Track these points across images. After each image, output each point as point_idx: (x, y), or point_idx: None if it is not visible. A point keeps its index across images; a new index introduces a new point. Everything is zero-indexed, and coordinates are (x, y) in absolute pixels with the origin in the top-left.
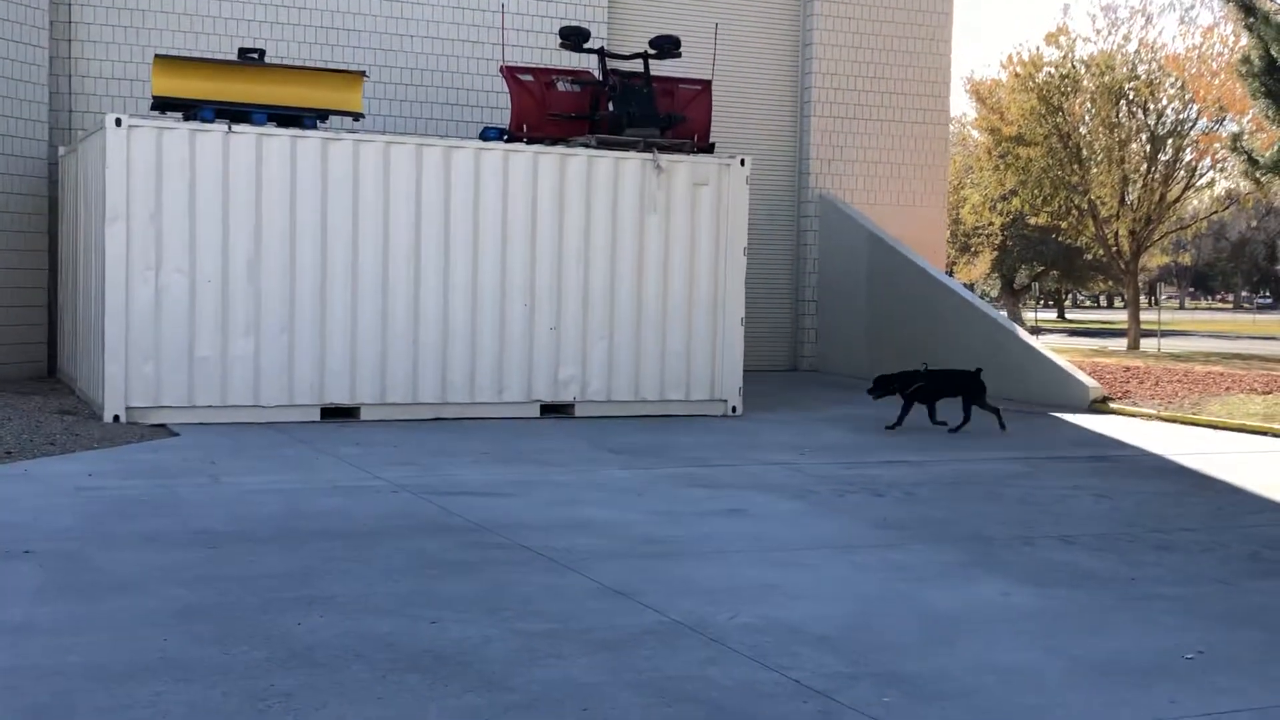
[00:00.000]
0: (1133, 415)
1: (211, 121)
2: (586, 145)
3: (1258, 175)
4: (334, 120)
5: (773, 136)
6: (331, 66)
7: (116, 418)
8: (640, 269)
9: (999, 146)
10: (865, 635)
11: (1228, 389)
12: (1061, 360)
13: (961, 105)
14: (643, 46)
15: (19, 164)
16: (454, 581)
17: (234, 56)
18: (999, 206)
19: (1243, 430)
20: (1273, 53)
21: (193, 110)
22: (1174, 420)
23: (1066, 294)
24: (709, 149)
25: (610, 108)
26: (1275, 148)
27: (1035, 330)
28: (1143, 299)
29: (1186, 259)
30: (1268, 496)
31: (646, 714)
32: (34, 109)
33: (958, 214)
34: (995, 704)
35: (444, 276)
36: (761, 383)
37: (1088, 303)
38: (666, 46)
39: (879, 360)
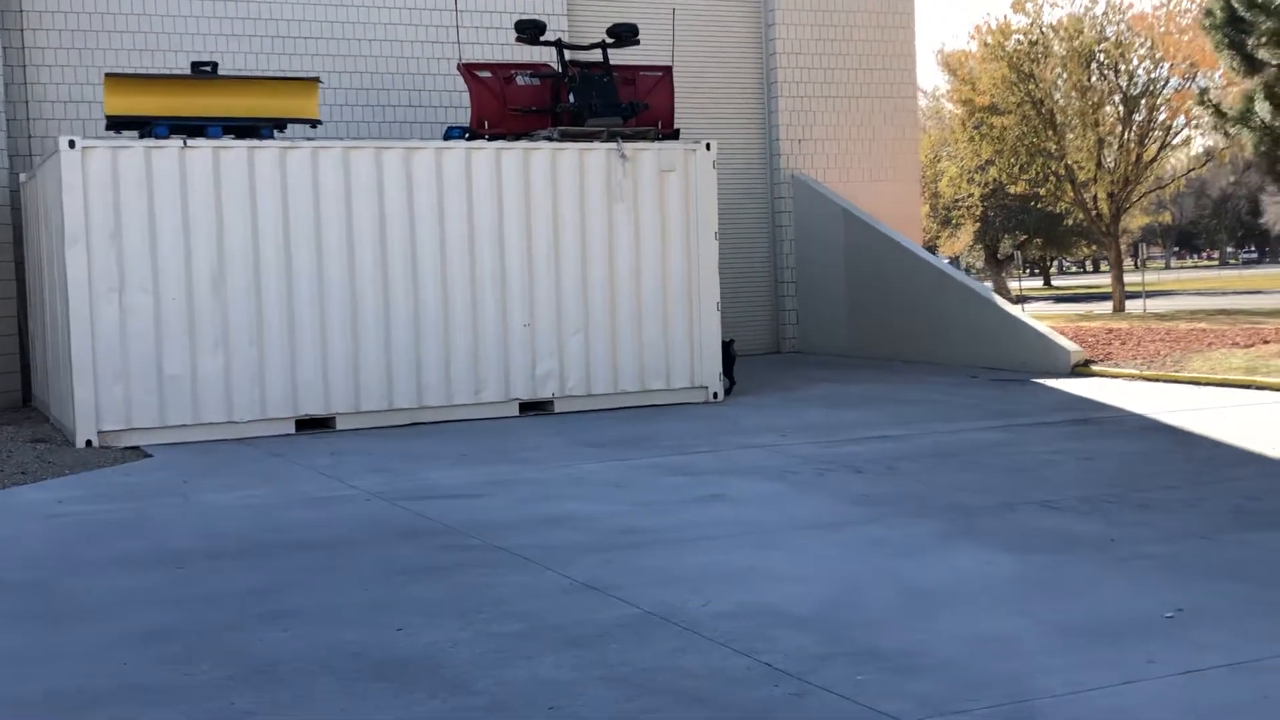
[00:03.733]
0: (1115, 376)
1: (166, 137)
2: (549, 138)
3: (1226, 128)
4: (296, 129)
5: (741, 119)
6: (286, 75)
7: (89, 443)
8: (612, 260)
9: (972, 118)
10: (842, 613)
11: (1210, 345)
12: (1042, 326)
13: (935, 78)
14: (601, 36)
15: None
16: (424, 587)
17: (187, 71)
18: (976, 178)
19: (1225, 385)
20: (1234, 3)
21: (149, 128)
22: (1156, 379)
23: (1052, 261)
24: (674, 135)
25: (571, 99)
26: (1242, 100)
27: (1020, 299)
28: (1127, 261)
29: (1167, 218)
30: (1248, 449)
31: (615, 708)
32: None
33: (935, 188)
34: (972, 674)
35: (412, 280)
36: (744, 367)
37: (1074, 269)
38: (624, 34)
39: (860, 338)
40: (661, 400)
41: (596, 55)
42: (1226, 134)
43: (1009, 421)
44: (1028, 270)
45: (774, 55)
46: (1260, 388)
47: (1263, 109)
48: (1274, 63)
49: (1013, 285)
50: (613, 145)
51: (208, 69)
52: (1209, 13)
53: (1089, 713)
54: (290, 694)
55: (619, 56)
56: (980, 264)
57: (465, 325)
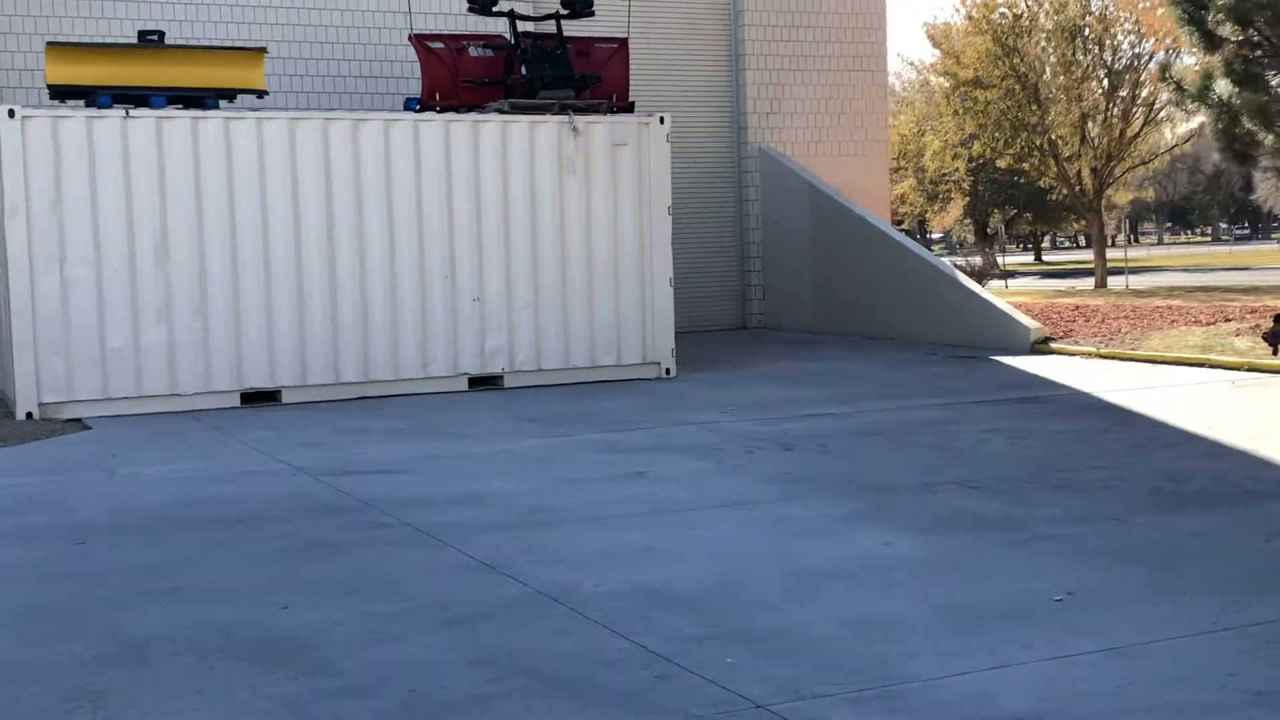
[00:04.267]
0: (1073, 354)
1: (109, 107)
2: (501, 111)
3: (1185, 105)
4: (245, 100)
5: (709, 91)
6: (233, 45)
7: (30, 414)
8: (563, 234)
9: (956, 91)
10: (730, 594)
11: (1173, 322)
12: (1001, 303)
13: (925, 52)
14: (555, 7)
15: None
16: (322, 564)
17: (133, 40)
18: (961, 152)
19: (1179, 363)
20: None
21: (93, 97)
22: (1112, 357)
23: (1043, 236)
24: (629, 108)
25: (523, 71)
26: (1200, 77)
27: (1007, 274)
28: (1121, 236)
29: (1150, 194)
30: (1185, 429)
31: (474, 690)
32: None
33: (920, 162)
34: (841, 657)
35: (359, 252)
36: (706, 343)
37: (1066, 244)
38: (579, 6)
39: (826, 315)
40: (613, 376)
41: (551, 27)
42: (1185, 111)
43: (953, 399)
44: (1020, 245)
45: (742, 27)
46: (1213, 366)
47: (1221, 87)
48: (1233, 39)
49: (1002, 260)
50: (564, 118)
51: (155, 38)
52: None
53: (950, 697)
54: (149, 674)
55: (576, 28)
56: (971, 238)
57: (413, 299)
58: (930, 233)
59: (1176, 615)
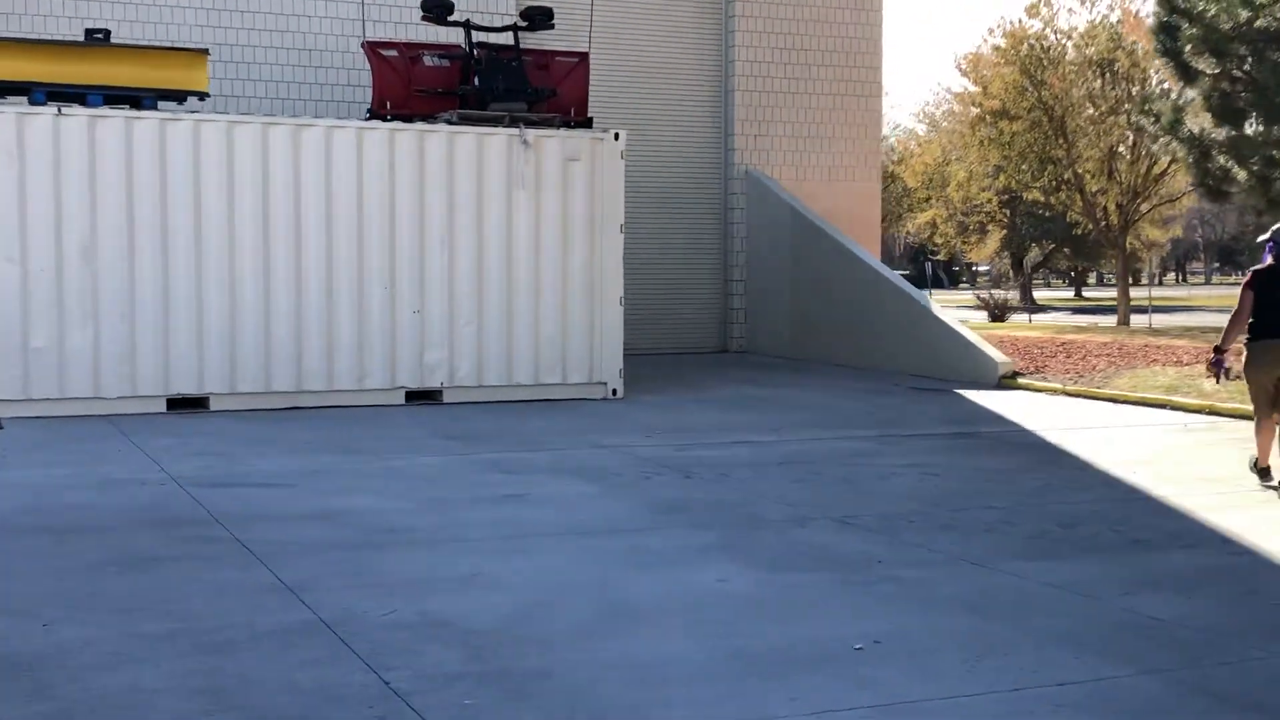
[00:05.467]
0: (1039, 390)
1: (43, 104)
2: (449, 121)
3: (1158, 137)
4: (191, 102)
5: (696, 111)
6: (175, 45)
7: None
8: (510, 249)
9: (981, 121)
10: (524, 628)
11: (1152, 362)
12: (972, 336)
13: (955, 81)
14: (515, 19)
15: None
16: (125, 580)
17: (73, 37)
18: (988, 183)
19: (1142, 403)
20: (1162, 8)
21: (30, 94)
22: (1077, 394)
23: (1085, 272)
24: (587, 123)
25: (475, 81)
26: (1170, 110)
27: (1035, 309)
28: (1169, 275)
29: (1178, 232)
30: (1109, 471)
31: None
32: None
33: (945, 193)
34: (591, 702)
35: (295, 260)
36: (675, 366)
37: (1112, 280)
38: (538, 18)
39: (803, 341)
40: (558, 395)
41: (510, 38)
42: (1157, 143)
43: (889, 431)
44: (1064, 280)
45: (733, 48)
46: (1174, 408)
47: (1195, 121)
48: (1209, 72)
49: (1041, 295)
50: (514, 131)
51: (100, 36)
52: (1156, 21)
53: None
54: None
55: (542, 41)
56: (1008, 271)
57: (350, 309)
58: (974, 265)
59: (978, 671)
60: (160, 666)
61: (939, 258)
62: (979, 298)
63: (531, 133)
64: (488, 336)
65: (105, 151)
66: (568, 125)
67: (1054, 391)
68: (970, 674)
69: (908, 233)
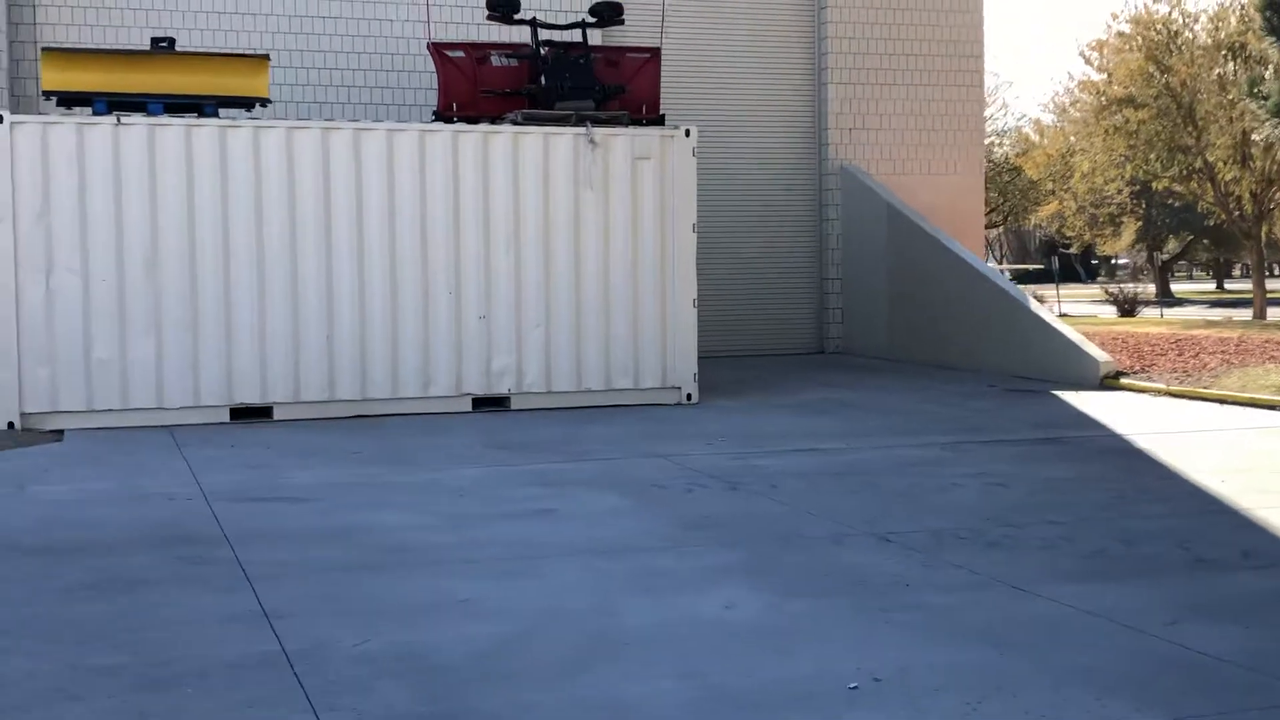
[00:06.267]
0: (1141, 391)
1: (104, 114)
2: (514, 122)
3: (1264, 119)
4: (265, 111)
5: (788, 106)
6: (236, 52)
7: (11, 424)
8: (577, 251)
9: (1106, 110)
10: (498, 662)
11: (1270, 359)
12: (1074, 334)
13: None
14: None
15: None
16: (100, 605)
17: (133, 46)
18: (1113, 174)
19: (1252, 404)
20: None
21: (92, 104)
22: (1181, 395)
23: (1227, 264)
24: (658, 120)
25: (542, 80)
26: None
27: (1170, 302)
28: None
29: None
30: (1197, 481)
31: None
32: None
33: (1069, 184)
34: None
35: (358, 265)
36: (767, 368)
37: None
38: (607, 14)
39: (902, 341)
40: (629, 400)
41: (579, 35)
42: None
43: (967, 438)
44: (1208, 273)
45: (825, 39)
46: None
47: None
48: None
49: (1181, 288)
50: (581, 130)
51: (165, 45)
52: None
53: None
54: None
55: (617, 38)
56: (1143, 264)
57: (414, 315)
58: (1113, 258)
59: (977, 715)
60: (91, 704)
61: (1072, 251)
62: (1108, 292)
63: (599, 131)
64: (556, 341)
65: (165, 160)
66: (638, 123)
67: (1156, 392)
68: (967, 719)
69: (1038, 225)
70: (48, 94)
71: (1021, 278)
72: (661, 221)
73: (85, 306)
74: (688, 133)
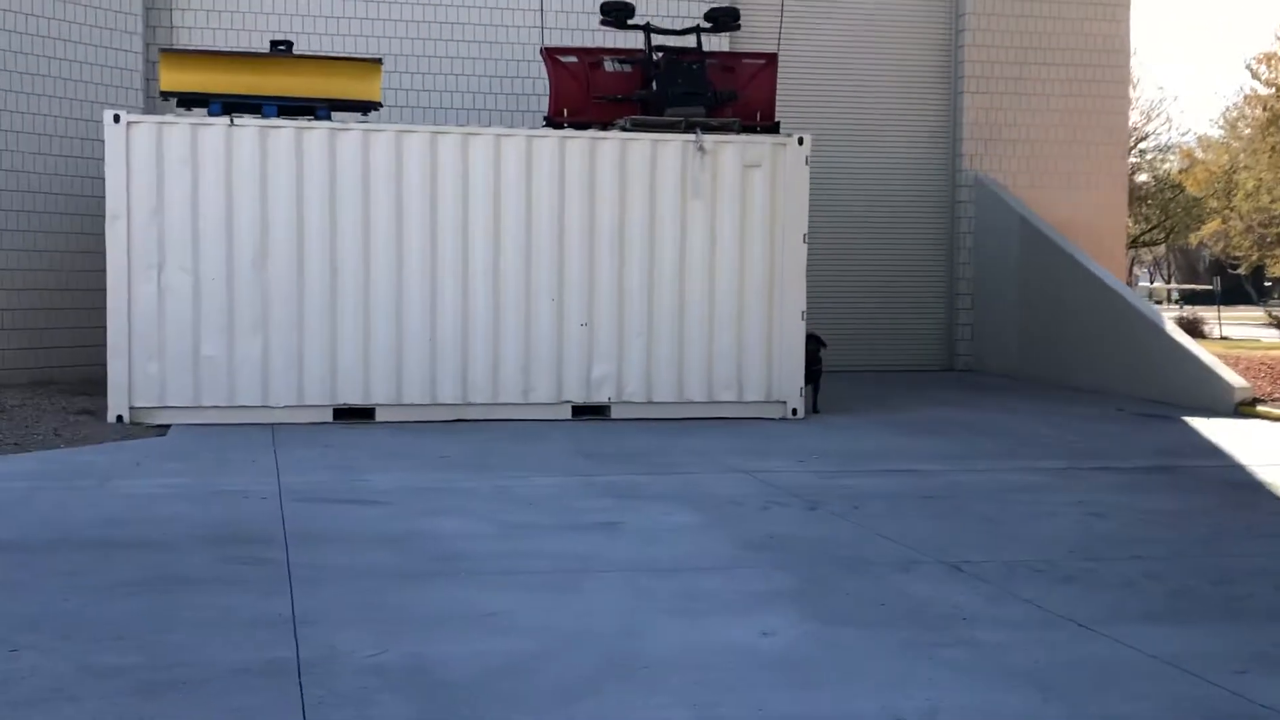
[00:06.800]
0: (1277, 419)
1: (219, 115)
2: (623, 128)
3: None
4: (379, 115)
5: (921, 114)
6: (349, 56)
7: (120, 418)
8: (683, 260)
9: (1272, 124)
10: (506, 681)
11: None
12: (1208, 357)
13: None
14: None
15: None
16: (133, 603)
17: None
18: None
19: None
20: None
21: (208, 105)
22: None
23: None
24: (773, 128)
25: (654, 86)
26: None
27: None
28: None
29: None
30: None
31: None
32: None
33: (1232, 203)
34: None
35: (463, 271)
36: (888, 385)
37: None
38: (723, 19)
39: (1033, 360)
40: (732, 413)
41: (694, 41)
42: None
43: (1078, 464)
44: None
45: (963, 47)
46: None
47: None
48: None
49: None
50: (690, 137)
51: (283, 48)
52: None
53: None
54: None
55: (742, 42)
56: None
57: (517, 321)
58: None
59: None
60: (83, 706)
61: (1240, 271)
62: (1271, 315)
63: (709, 138)
64: (658, 351)
65: (276, 162)
66: (751, 129)
67: None
68: None
69: (1201, 244)
70: (165, 94)
71: (1189, 298)
72: (771, 231)
73: (195, 304)
74: (800, 141)
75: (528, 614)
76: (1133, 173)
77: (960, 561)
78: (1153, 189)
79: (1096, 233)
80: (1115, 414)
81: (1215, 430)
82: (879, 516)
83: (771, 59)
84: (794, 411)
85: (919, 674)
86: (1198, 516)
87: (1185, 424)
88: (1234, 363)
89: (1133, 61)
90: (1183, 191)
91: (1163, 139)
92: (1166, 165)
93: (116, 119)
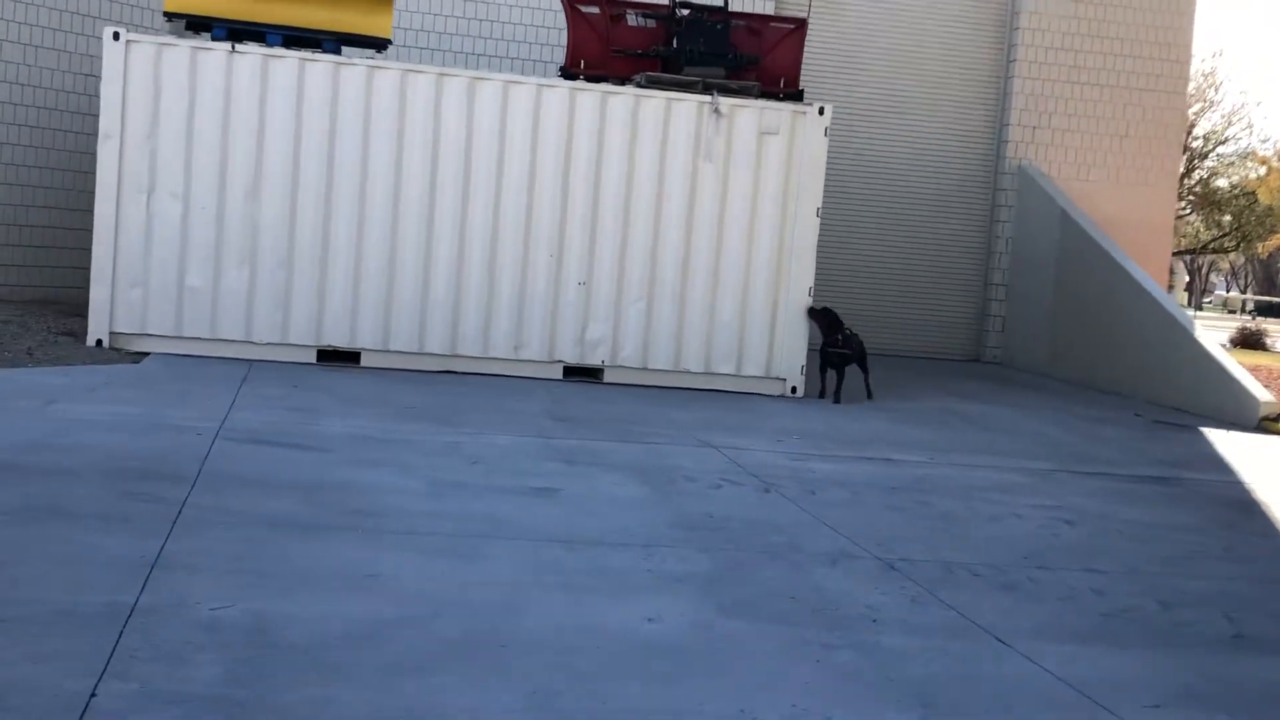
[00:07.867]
0: None
1: (223, 40)
2: (638, 84)
3: None
4: (389, 54)
5: (967, 96)
6: None
7: (100, 342)
8: (690, 225)
9: None
10: (347, 650)
11: None
12: (1235, 367)
13: None
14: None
15: None
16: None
17: None
18: None
19: None
20: None
21: (211, 29)
22: None
23: None
24: (796, 96)
25: (674, 44)
26: None
27: None
28: None
29: None
30: None
31: None
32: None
33: None
34: None
35: (460, 220)
36: (904, 371)
37: None
38: None
39: (1061, 358)
40: (728, 386)
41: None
42: None
43: (1068, 467)
44: None
45: (1017, 30)
46: None
47: None
48: None
49: None
50: (706, 98)
51: None
52: None
53: None
54: None
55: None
56: None
57: (512, 275)
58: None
59: None
60: None
61: None
62: None
63: (725, 101)
64: (657, 317)
65: (276, 93)
66: (772, 96)
67: None
68: None
69: (1270, 254)
70: (169, 15)
71: (1264, 310)
72: (784, 202)
73: (183, 231)
74: (821, 110)
75: (411, 578)
76: (1209, 177)
77: (897, 559)
78: (1227, 195)
79: (1142, 231)
80: (1131, 419)
81: (1229, 443)
82: (832, 505)
83: (800, 24)
84: (793, 390)
85: (796, 677)
86: (1175, 532)
87: (1200, 434)
88: (1268, 375)
89: (1217, 63)
90: (1257, 199)
91: (1243, 144)
92: (1244, 172)
93: (116, 36)
